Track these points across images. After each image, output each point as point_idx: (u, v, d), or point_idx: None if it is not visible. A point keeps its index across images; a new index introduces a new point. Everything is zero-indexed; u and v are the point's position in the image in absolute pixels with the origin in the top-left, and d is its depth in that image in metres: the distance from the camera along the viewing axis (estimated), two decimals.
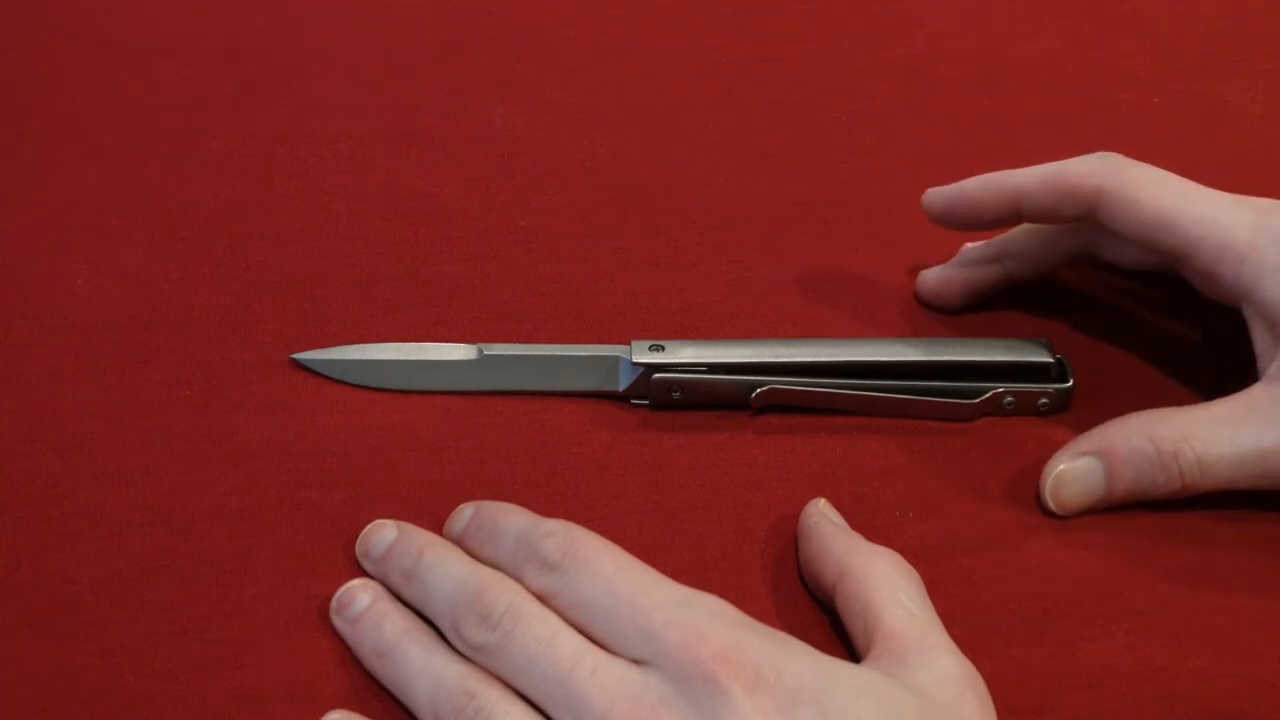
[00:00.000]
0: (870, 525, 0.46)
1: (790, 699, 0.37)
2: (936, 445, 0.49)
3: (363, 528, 0.46)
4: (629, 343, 0.49)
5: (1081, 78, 0.60)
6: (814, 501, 0.46)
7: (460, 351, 0.50)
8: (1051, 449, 0.48)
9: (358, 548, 0.45)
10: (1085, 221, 0.48)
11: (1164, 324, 0.53)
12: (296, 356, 0.50)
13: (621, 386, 0.49)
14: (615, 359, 0.50)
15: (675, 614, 0.38)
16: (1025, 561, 0.46)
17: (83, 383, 0.50)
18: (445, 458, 0.48)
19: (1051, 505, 0.47)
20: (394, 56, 0.60)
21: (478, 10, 0.62)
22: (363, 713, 0.42)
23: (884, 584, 0.41)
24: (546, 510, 0.44)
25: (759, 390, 0.49)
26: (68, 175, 0.56)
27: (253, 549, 0.46)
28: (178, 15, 0.61)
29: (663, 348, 0.49)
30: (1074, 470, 0.47)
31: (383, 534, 0.45)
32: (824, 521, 0.44)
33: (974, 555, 0.46)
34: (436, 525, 0.46)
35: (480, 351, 0.50)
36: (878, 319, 0.53)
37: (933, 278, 0.52)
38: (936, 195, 0.51)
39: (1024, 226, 0.51)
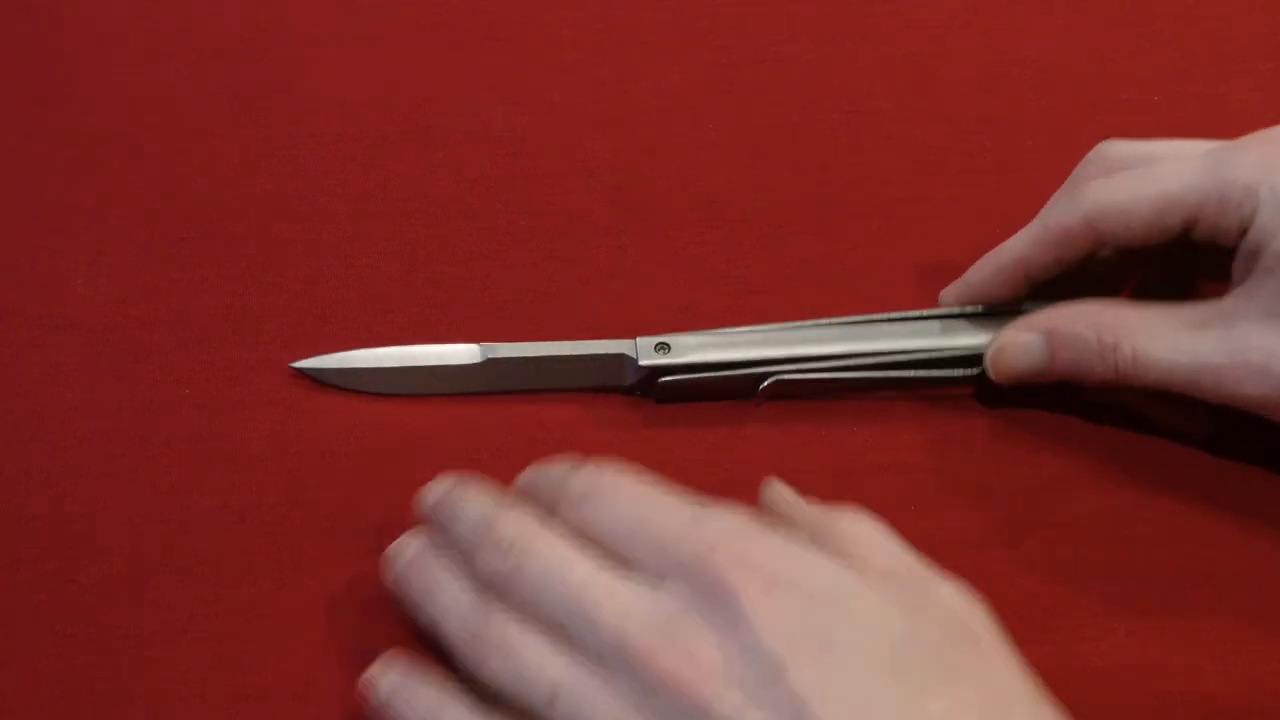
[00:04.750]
0: None
1: (809, 602, 0.36)
2: (937, 444, 0.49)
3: (362, 527, 0.46)
4: (634, 337, 0.49)
5: (1082, 77, 0.60)
6: (768, 483, 0.45)
7: (463, 353, 0.50)
8: (1052, 450, 0.48)
9: (415, 507, 0.44)
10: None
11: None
12: (297, 365, 0.50)
13: (630, 382, 0.50)
14: (621, 358, 0.49)
15: (689, 528, 0.38)
16: (1024, 560, 0.46)
17: (83, 383, 0.50)
18: (445, 457, 0.48)
19: (990, 372, 0.48)
20: (394, 56, 0.60)
21: (478, 10, 0.62)
22: (358, 712, 0.42)
23: (865, 538, 0.41)
24: None
25: (767, 382, 0.49)
26: (68, 175, 0.56)
27: (252, 549, 0.46)
28: (178, 15, 0.61)
29: (668, 346, 0.49)
30: (1016, 343, 0.48)
31: (437, 486, 0.44)
32: (783, 499, 0.44)
33: (973, 553, 0.46)
34: None
35: (484, 353, 0.50)
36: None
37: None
38: (949, 296, 0.51)
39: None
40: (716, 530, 0.38)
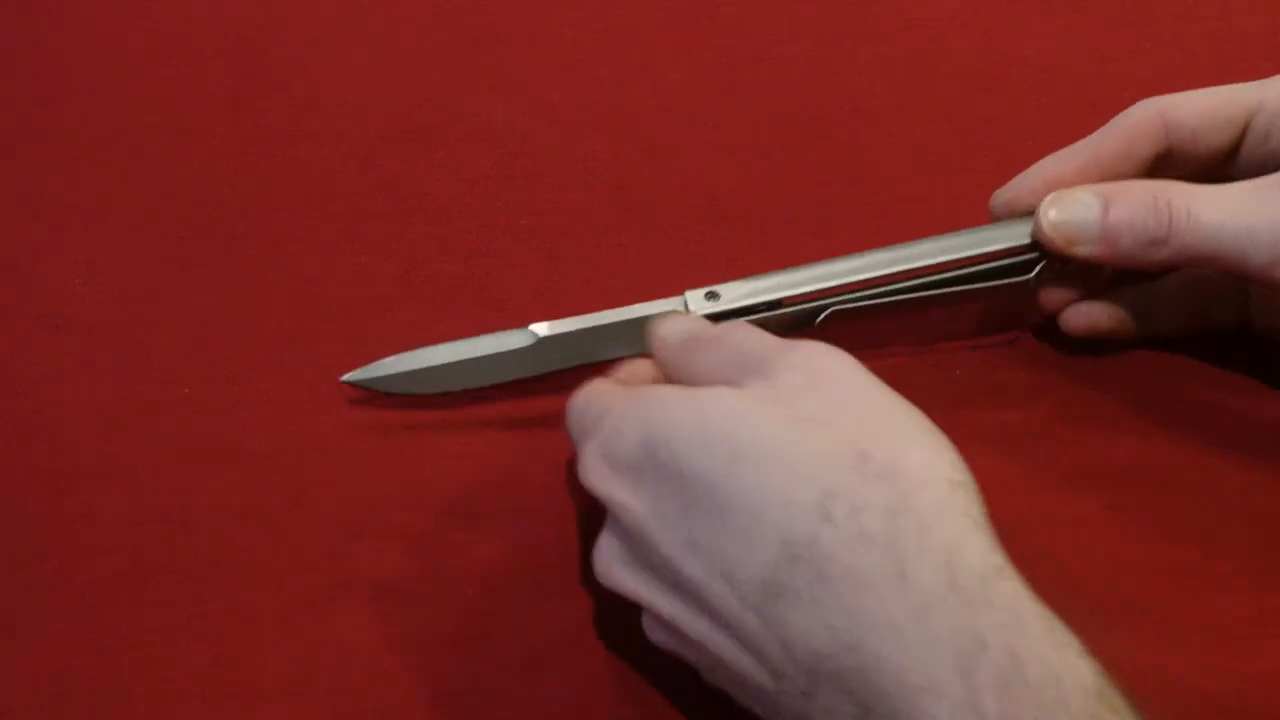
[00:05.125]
0: None
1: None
2: None
3: (362, 526, 0.46)
4: (681, 293, 0.48)
5: (1083, 77, 0.60)
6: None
7: (516, 338, 0.49)
8: (1052, 452, 0.48)
9: None
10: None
11: None
12: (349, 379, 0.48)
13: None
14: (672, 311, 0.48)
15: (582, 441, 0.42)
16: (1025, 559, 0.46)
17: (83, 382, 0.50)
18: (445, 457, 0.48)
19: (1043, 222, 0.47)
20: (394, 56, 0.60)
21: (478, 10, 0.62)
22: (357, 711, 0.42)
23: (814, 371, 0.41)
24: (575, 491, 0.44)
25: (823, 315, 0.48)
26: (67, 175, 0.56)
27: (252, 548, 0.46)
28: (177, 15, 0.61)
29: (718, 294, 0.48)
30: (1070, 196, 0.47)
31: None
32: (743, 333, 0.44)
33: None
34: (438, 522, 0.46)
35: (535, 335, 0.48)
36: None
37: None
38: (1005, 193, 0.50)
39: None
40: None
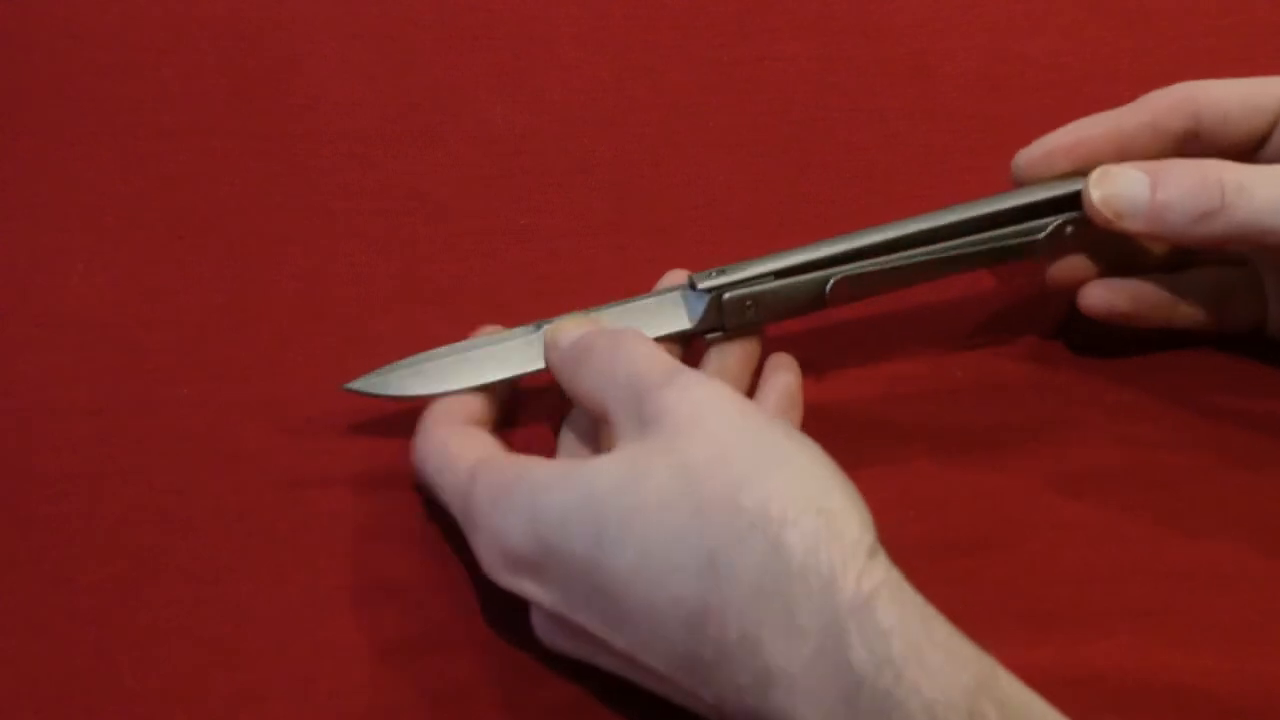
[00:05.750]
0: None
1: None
2: (936, 439, 0.49)
3: (363, 527, 0.46)
4: (685, 280, 0.48)
5: (1084, 76, 0.60)
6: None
7: (519, 337, 0.48)
8: (1054, 448, 0.48)
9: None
10: None
11: None
12: (350, 387, 0.48)
13: (691, 323, 0.48)
14: (678, 295, 0.48)
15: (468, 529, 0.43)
16: (1027, 561, 0.46)
17: (82, 382, 0.50)
18: None
19: (1092, 195, 0.47)
20: (393, 55, 0.60)
21: (477, 9, 0.62)
22: (357, 711, 0.42)
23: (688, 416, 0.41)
24: None
25: (833, 281, 0.48)
26: (67, 175, 0.56)
27: (252, 548, 0.46)
28: (177, 14, 0.61)
29: (724, 270, 0.48)
30: (1118, 170, 0.47)
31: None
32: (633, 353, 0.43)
33: (976, 555, 0.46)
34: (438, 522, 0.46)
35: (539, 328, 0.47)
36: (879, 316, 0.53)
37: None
38: (1028, 155, 0.50)
39: None
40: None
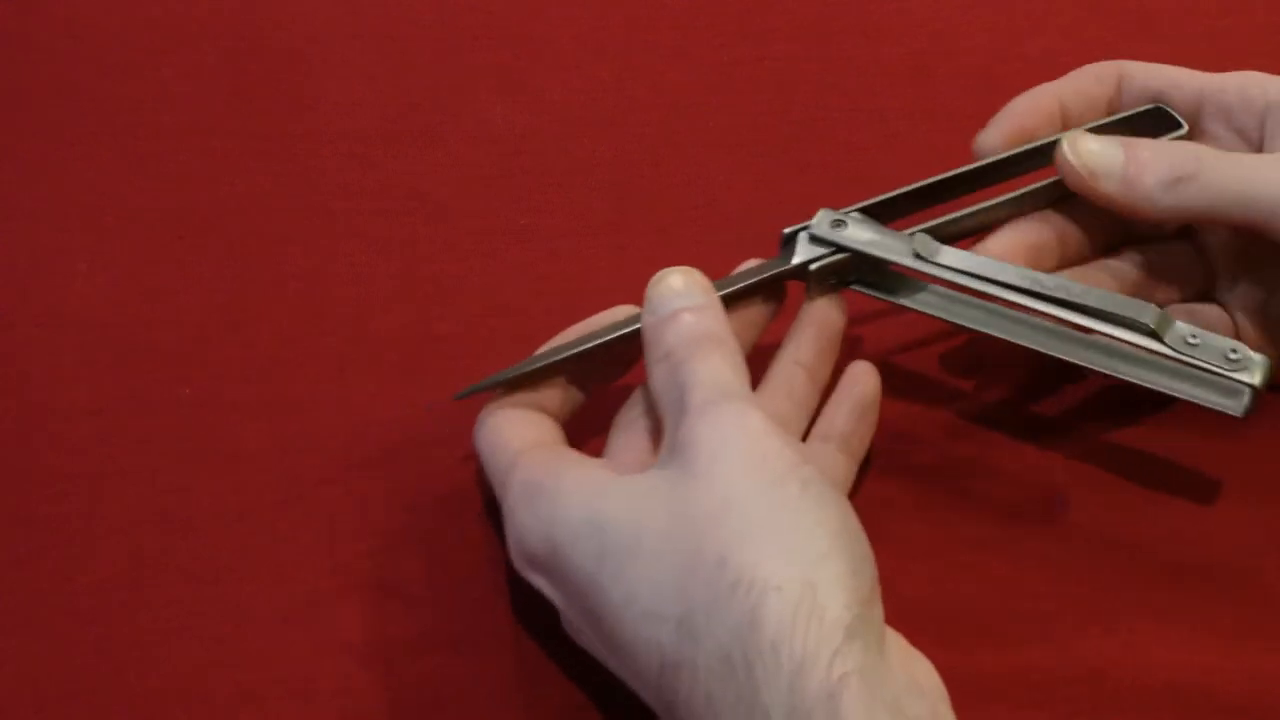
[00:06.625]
0: (873, 522, 0.46)
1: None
2: (938, 439, 0.49)
3: (363, 526, 0.46)
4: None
5: None
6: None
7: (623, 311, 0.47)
8: (1055, 448, 0.48)
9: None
10: None
11: None
12: (461, 395, 0.46)
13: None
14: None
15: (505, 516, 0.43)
16: (1028, 558, 0.46)
17: (82, 382, 0.50)
18: (447, 453, 0.48)
19: (1066, 153, 0.47)
20: (393, 55, 0.60)
21: (477, 10, 0.62)
22: (357, 709, 0.42)
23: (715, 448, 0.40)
24: None
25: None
26: (67, 175, 0.56)
27: (252, 548, 0.46)
28: (177, 14, 0.61)
29: (844, 222, 0.48)
30: (1095, 139, 0.47)
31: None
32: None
33: (976, 552, 0.46)
34: (439, 522, 0.46)
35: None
36: (879, 317, 0.53)
37: None
38: (988, 135, 0.50)
39: None
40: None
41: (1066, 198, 0.48)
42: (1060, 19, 0.63)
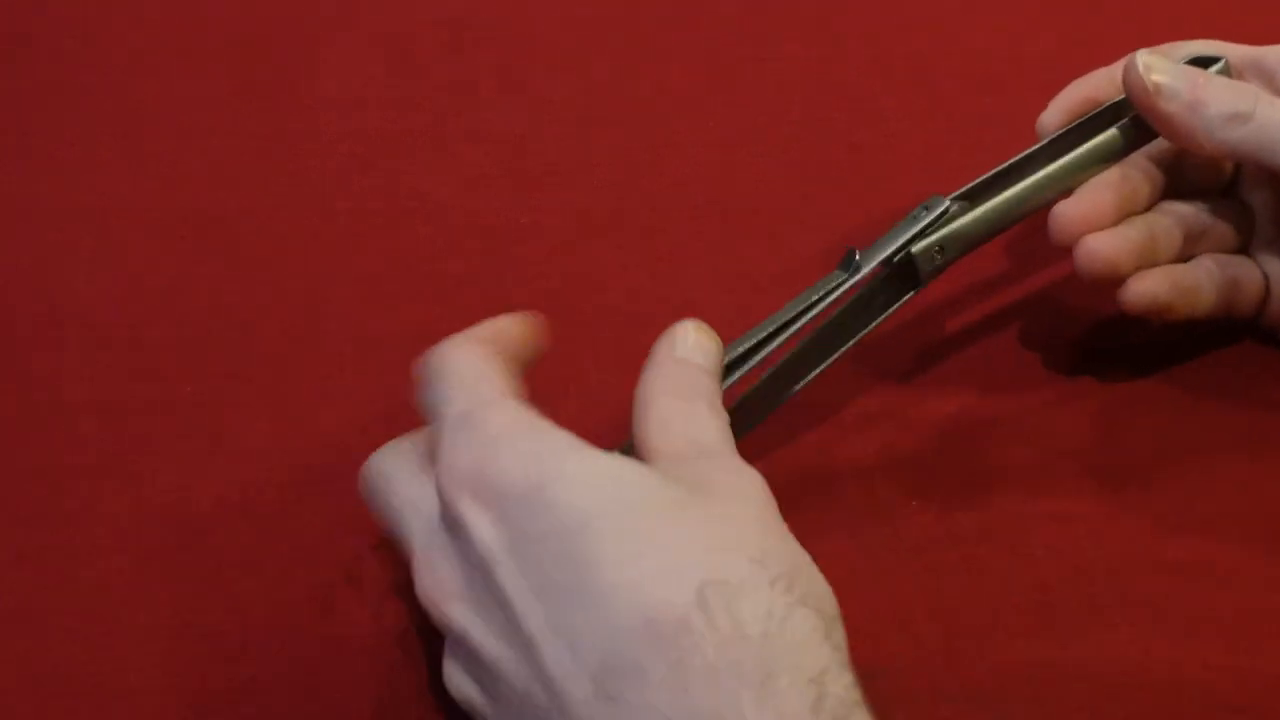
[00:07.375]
0: (873, 514, 0.46)
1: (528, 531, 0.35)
2: (938, 437, 0.49)
3: (362, 526, 0.46)
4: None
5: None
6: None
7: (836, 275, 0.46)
8: (1055, 445, 0.48)
9: None
10: None
11: None
12: None
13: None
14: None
15: (447, 438, 0.38)
16: (1028, 553, 0.46)
17: (82, 382, 0.50)
18: None
19: (1139, 63, 0.48)
20: (394, 56, 0.60)
21: (478, 10, 0.62)
22: (358, 710, 0.42)
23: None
24: None
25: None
26: (68, 174, 0.56)
27: (252, 546, 0.46)
28: (178, 14, 0.61)
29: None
30: (1165, 60, 0.48)
31: None
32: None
33: (976, 546, 0.46)
34: None
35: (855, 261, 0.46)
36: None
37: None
38: (1050, 115, 0.52)
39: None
40: (462, 444, 0.37)
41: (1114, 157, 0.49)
42: (1060, 19, 0.63)
